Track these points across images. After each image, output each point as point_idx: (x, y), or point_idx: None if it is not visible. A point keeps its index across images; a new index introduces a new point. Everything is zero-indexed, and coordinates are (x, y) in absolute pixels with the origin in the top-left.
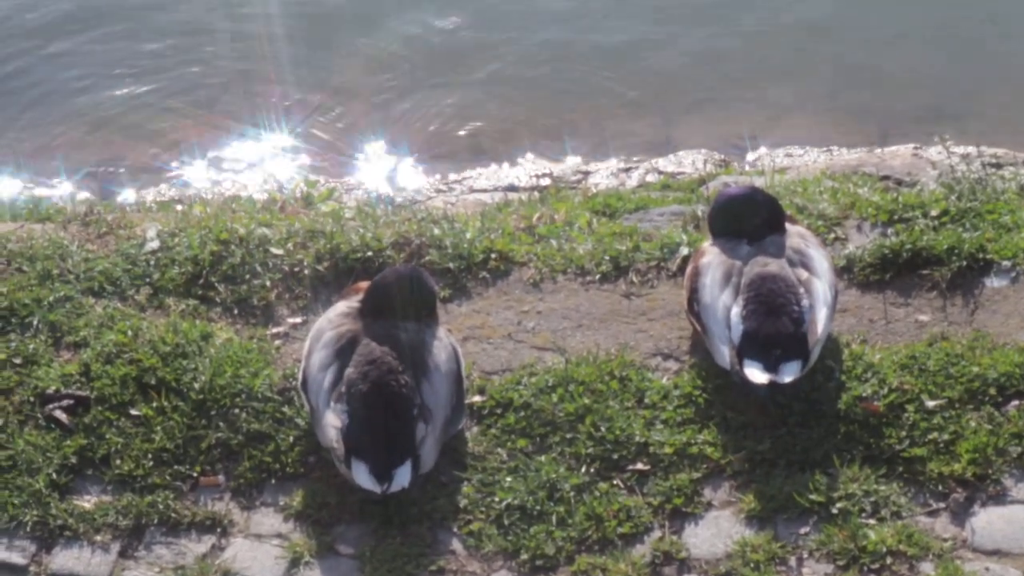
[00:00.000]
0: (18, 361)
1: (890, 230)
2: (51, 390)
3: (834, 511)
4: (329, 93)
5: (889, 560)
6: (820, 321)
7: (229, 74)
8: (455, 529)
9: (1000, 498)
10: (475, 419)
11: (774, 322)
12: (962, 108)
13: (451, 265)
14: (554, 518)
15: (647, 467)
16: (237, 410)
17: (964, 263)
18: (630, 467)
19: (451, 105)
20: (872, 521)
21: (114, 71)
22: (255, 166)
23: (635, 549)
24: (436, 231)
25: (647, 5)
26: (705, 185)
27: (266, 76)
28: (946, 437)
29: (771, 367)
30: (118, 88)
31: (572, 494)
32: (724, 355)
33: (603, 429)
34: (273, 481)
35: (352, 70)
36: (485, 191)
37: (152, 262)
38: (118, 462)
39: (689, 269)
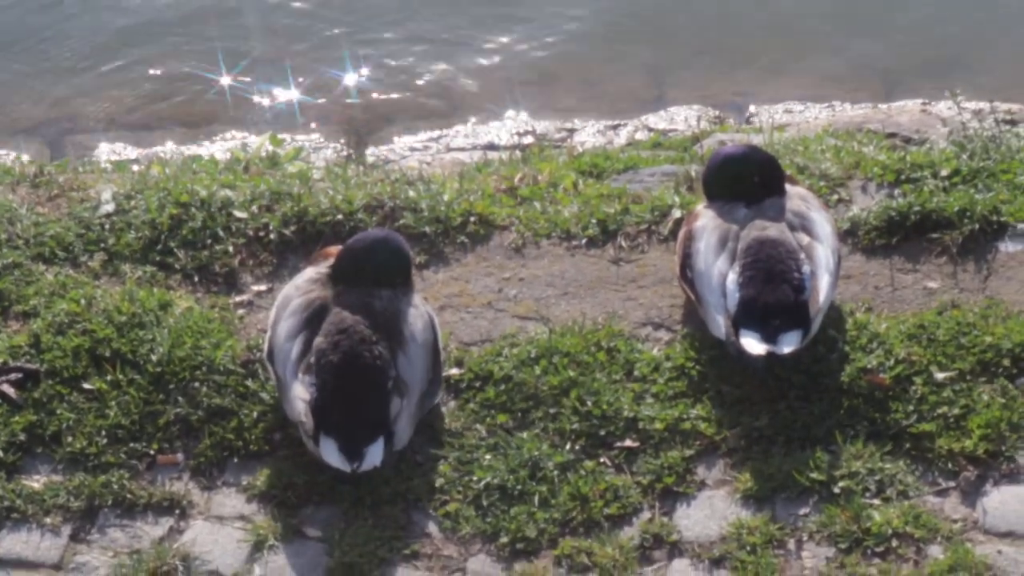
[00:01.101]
0: None
1: (897, 191)
2: None
3: (836, 491)
4: (291, 41)
5: (895, 543)
6: (822, 289)
7: (189, 25)
8: (431, 511)
9: (1013, 476)
10: (452, 393)
11: (773, 290)
12: (974, 60)
13: (427, 229)
14: (536, 498)
15: (636, 444)
16: (197, 384)
17: (976, 226)
18: (618, 444)
19: (424, 56)
20: (877, 501)
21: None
22: (216, 123)
23: (623, 531)
24: (411, 193)
25: None
26: (699, 144)
27: (231, 25)
28: (956, 412)
29: (769, 337)
30: (69, 40)
31: (556, 473)
32: (719, 325)
33: (589, 404)
34: (235, 459)
35: (316, 15)
36: (463, 150)
37: (107, 226)
38: (70, 439)
39: (682, 233)
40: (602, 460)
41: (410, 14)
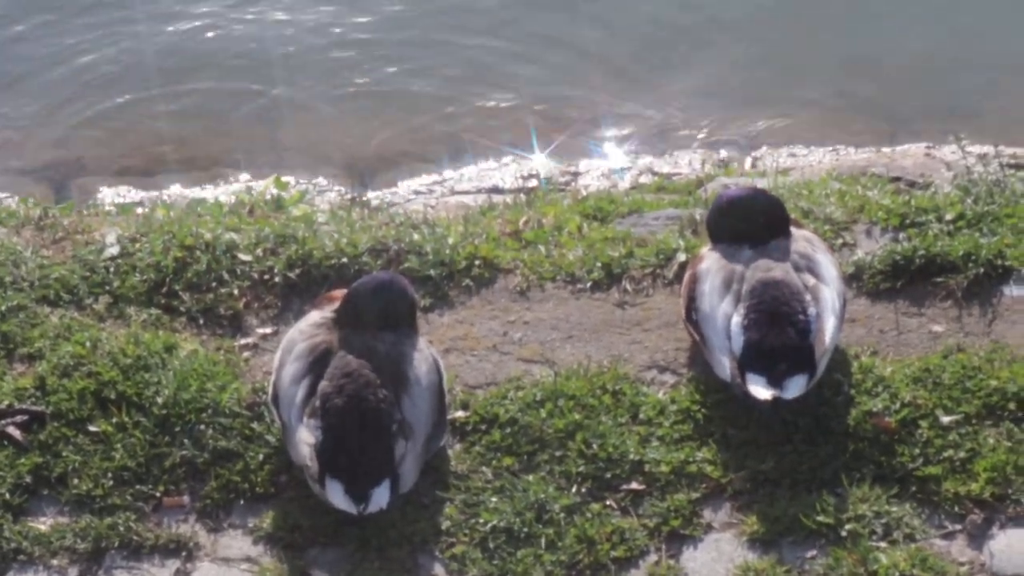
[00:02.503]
0: None
1: (902, 235)
2: (4, 405)
3: (843, 533)
4: (294, 85)
5: None
6: (828, 331)
7: (193, 66)
8: (437, 553)
9: (1020, 520)
10: (458, 436)
11: (778, 332)
12: (978, 105)
13: (432, 272)
14: (543, 541)
15: (642, 487)
16: (203, 426)
17: (981, 270)
18: (624, 487)
19: (428, 99)
20: (883, 544)
21: (66, 61)
22: (222, 166)
23: (630, 574)
24: (415, 236)
25: None
26: (703, 187)
27: (235, 69)
28: (962, 455)
29: (775, 381)
30: (72, 80)
31: (562, 516)
32: (725, 367)
33: (595, 446)
34: (242, 502)
35: (319, 59)
36: (467, 193)
37: (112, 269)
38: (76, 481)
39: (687, 276)
40: (608, 503)
41: (412, 56)
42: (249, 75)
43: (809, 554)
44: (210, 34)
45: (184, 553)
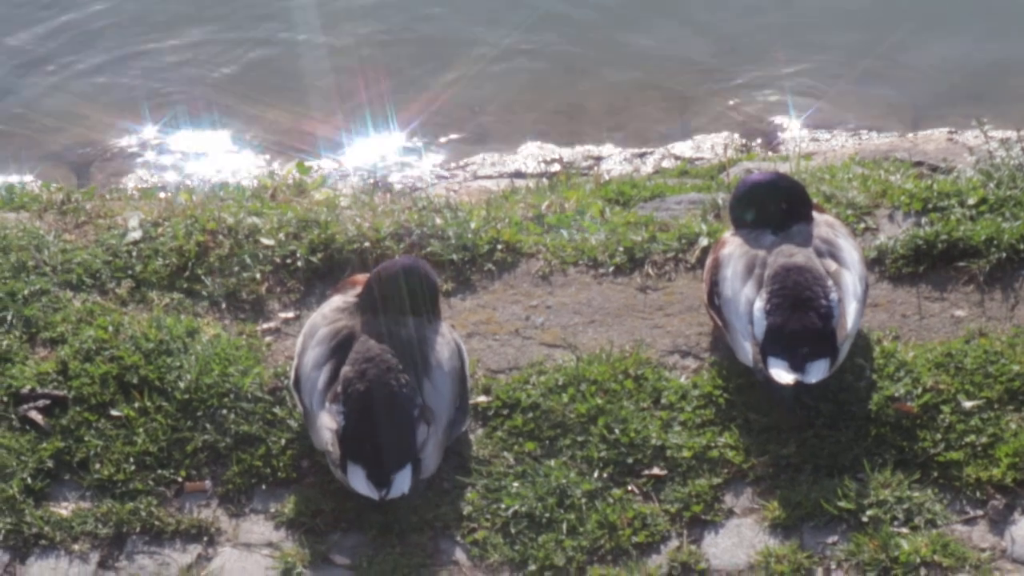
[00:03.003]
0: None
1: (924, 220)
2: (26, 389)
3: (864, 519)
4: (324, 74)
5: (923, 571)
6: (850, 316)
7: (215, 49)
8: (459, 538)
9: None
10: (480, 421)
11: (800, 317)
12: (1001, 89)
13: (454, 257)
14: (564, 526)
15: (664, 472)
16: (225, 411)
17: (1003, 255)
18: (646, 472)
19: (452, 86)
20: (905, 530)
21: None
22: (245, 150)
23: (651, 559)
24: (438, 220)
25: None
26: (726, 171)
27: (260, 57)
28: (984, 440)
29: (797, 366)
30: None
31: (583, 501)
32: (747, 352)
33: (617, 431)
34: (263, 487)
35: (348, 51)
36: (490, 177)
37: (134, 253)
38: (97, 466)
39: (709, 260)
40: (630, 488)
41: (434, 42)
42: None
43: (830, 539)
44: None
45: (205, 538)
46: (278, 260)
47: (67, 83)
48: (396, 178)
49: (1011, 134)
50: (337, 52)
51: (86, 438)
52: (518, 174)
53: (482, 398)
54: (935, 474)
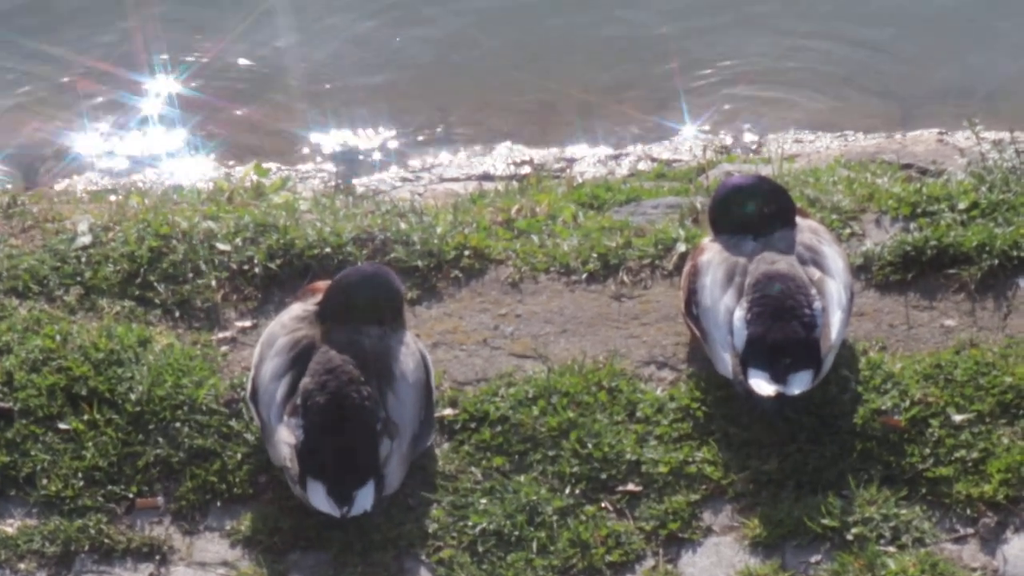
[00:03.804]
0: None
1: (913, 225)
2: None
3: (849, 537)
4: (279, 69)
5: None
6: (834, 326)
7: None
8: (424, 557)
9: None
10: (446, 434)
11: (782, 327)
12: (993, 88)
13: (419, 263)
14: (534, 545)
15: (639, 488)
16: (178, 424)
17: (996, 262)
18: (620, 488)
19: (416, 83)
20: (892, 548)
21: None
22: (195, 151)
23: None
24: (402, 225)
25: None
26: (705, 174)
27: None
28: (975, 455)
29: (779, 377)
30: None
31: (555, 518)
32: (726, 363)
33: (590, 446)
34: (219, 503)
35: (311, 47)
36: (457, 180)
37: (83, 259)
38: (44, 482)
39: (687, 268)
40: (603, 505)
41: (400, 39)
42: None
43: (814, 559)
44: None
45: (158, 557)
46: (235, 266)
47: (13, 83)
48: (359, 181)
49: (1004, 135)
50: (299, 48)
51: (32, 452)
52: (487, 176)
53: (448, 411)
54: (923, 491)
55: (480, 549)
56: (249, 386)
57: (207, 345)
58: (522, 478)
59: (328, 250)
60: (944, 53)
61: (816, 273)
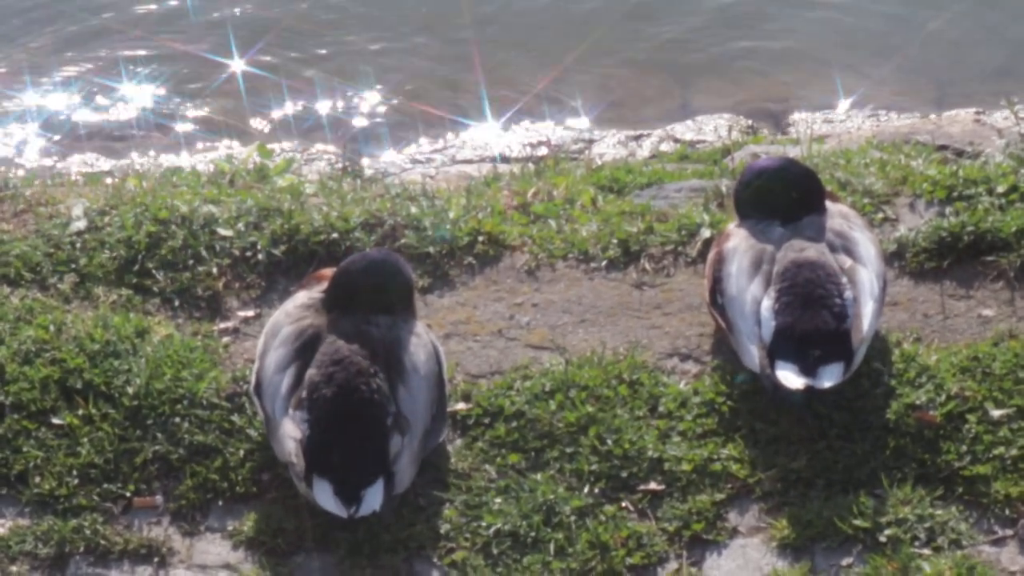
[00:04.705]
0: None
1: (948, 209)
2: None
3: (882, 539)
4: (285, 46)
5: None
6: (866, 316)
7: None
8: (435, 559)
9: None
10: (459, 430)
11: (812, 317)
12: None
13: (431, 249)
14: (552, 546)
15: (661, 487)
16: (178, 419)
17: None
18: (641, 487)
19: (430, 61)
20: (927, 551)
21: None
22: (199, 133)
23: None
24: (413, 209)
25: None
26: (730, 156)
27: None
28: (1014, 452)
29: (808, 370)
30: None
31: (573, 519)
32: (753, 356)
33: (609, 442)
34: (220, 502)
35: (313, 21)
36: (471, 162)
37: (78, 245)
38: (37, 480)
39: (711, 255)
40: (624, 504)
41: (414, 19)
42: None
43: (845, 561)
44: None
45: (156, 559)
46: (237, 253)
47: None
48: (367, 163)
49: None
50: (304, 22)
51: (25, 449)
52: (502, 158)
53: (461, 405)
54: (960, 490)
55: (495, 551)
56: (253, 378)
57: (208, 336)
58: (538, 476)
59: (335, 236)
60: (981, 29)
61: (847, 261)
